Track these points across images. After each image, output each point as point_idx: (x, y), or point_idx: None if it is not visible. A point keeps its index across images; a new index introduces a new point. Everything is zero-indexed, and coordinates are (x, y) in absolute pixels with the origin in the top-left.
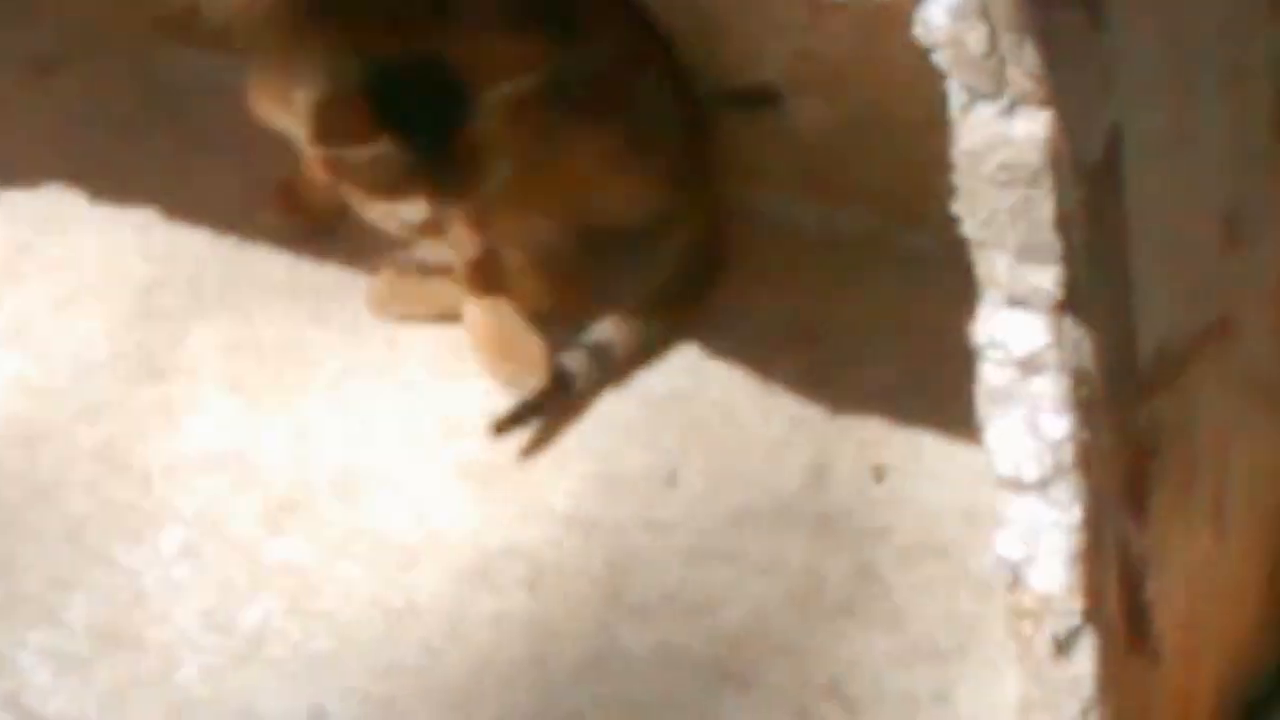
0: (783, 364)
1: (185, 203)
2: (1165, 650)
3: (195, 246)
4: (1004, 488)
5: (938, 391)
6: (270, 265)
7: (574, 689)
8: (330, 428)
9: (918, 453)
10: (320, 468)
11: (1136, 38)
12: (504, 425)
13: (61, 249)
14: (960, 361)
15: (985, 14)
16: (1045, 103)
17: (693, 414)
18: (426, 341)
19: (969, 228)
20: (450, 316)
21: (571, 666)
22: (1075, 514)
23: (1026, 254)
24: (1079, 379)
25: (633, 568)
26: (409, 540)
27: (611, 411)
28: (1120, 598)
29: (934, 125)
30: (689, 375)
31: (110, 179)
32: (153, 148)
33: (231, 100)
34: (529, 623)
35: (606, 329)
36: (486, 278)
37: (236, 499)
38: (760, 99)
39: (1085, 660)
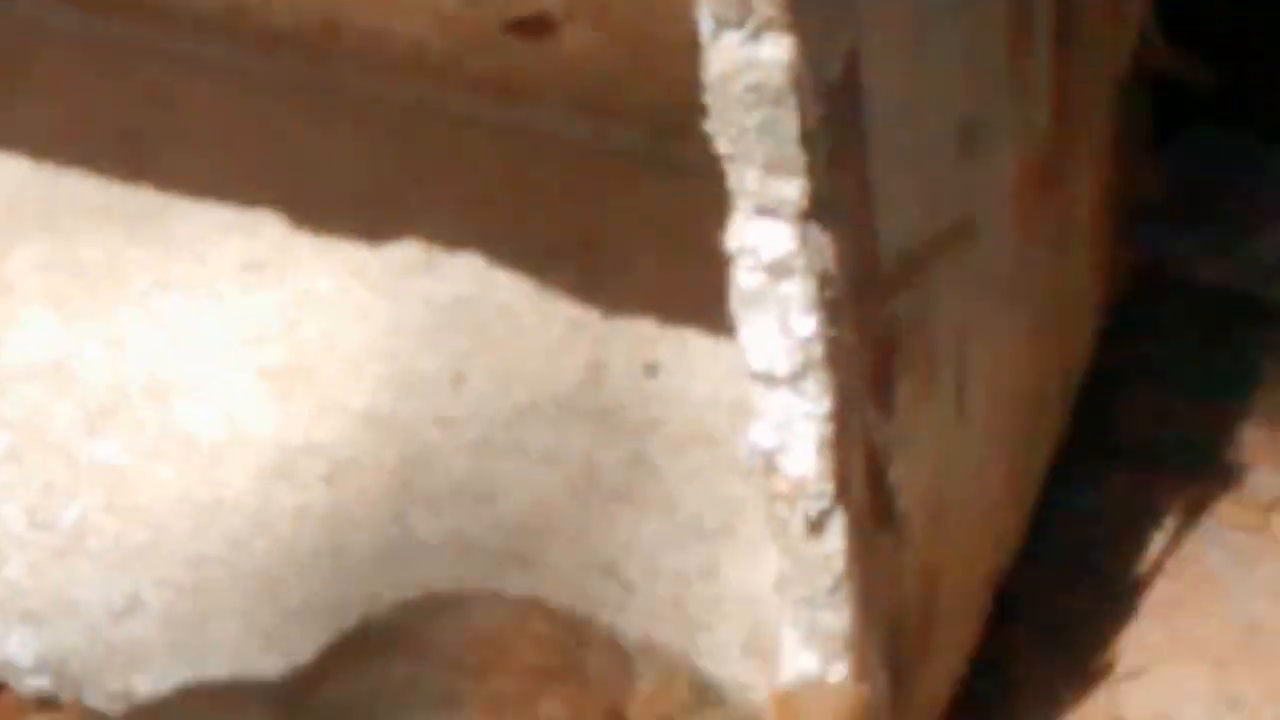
0: (560, 271)
1: (3, 132)
2: (911, 528)
3: (14, 174)
4: (758, 383)
5: (703, 293)
6: (86, 190)
7: (372, 574)
8: (143, 338)
9: (685, 350)
10: (134, 375)
11: None
12: None
13: None
14: (723, 265)
15: None
16: (787, 29)
17: (477, 318)
18: (232, 257)
19: (721, 144)
20: None
21: (369, 554)
22: (824, 405)
23: (773, 168)
24: (824, 281)
25: (424, 461)
26: (216, 440)
27: (400, 317)
28: (866, 481)
29: (696, 47)
30: (473, 282)
31: None
32: None
33: (51, 34)
34: (329, 514)
35: None
36: None
37: (56, 406)
38: (536, 25)
39: (835, 538)
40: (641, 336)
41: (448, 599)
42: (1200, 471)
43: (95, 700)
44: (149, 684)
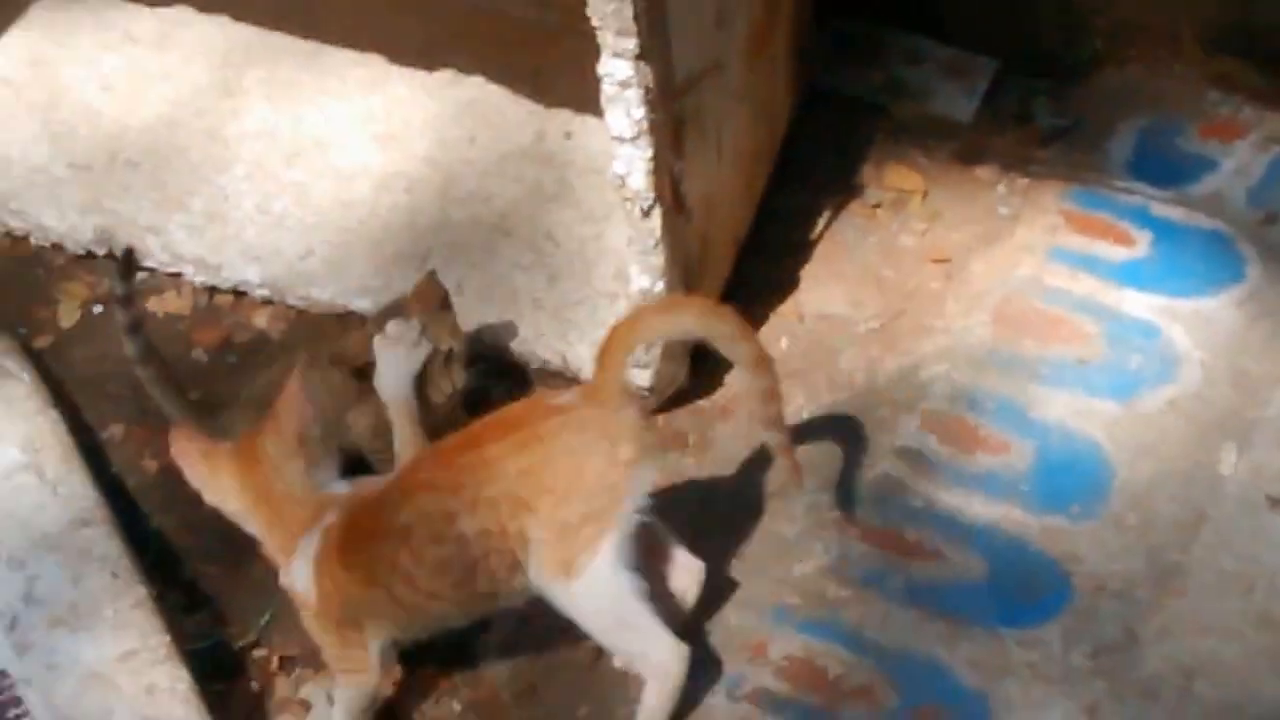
0: (523, 85)
1: (240, 10)
2: (693, 215)
3: (244, 32)
4: (616, 142)
5: (595, 96)
6: (281, 41)
7: (428, 238)
8: (313, 119)
9: (586, 125)
10: (308, 138)
11: None
12: None
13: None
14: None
15: None
16: None
17: (481, 110)
18: (358, 77)
19: (595, 20)
20: None
21: (428, 228)
22: (648, 153)
23: (621, 32)
24: (647, 91)
25: (455, 181)
26: (351, 170)
27: (443, 109)
28: (671, 191)
29: None
30: (479, 91)
31: None
32: None
33: None
34: (408, 207)
35: None
36: None
37: (270, 152)
38: None
39: (655, 220)
40: (564, 118)
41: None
42: (841, 189)
43: (292, 301)
44: (317, 294)
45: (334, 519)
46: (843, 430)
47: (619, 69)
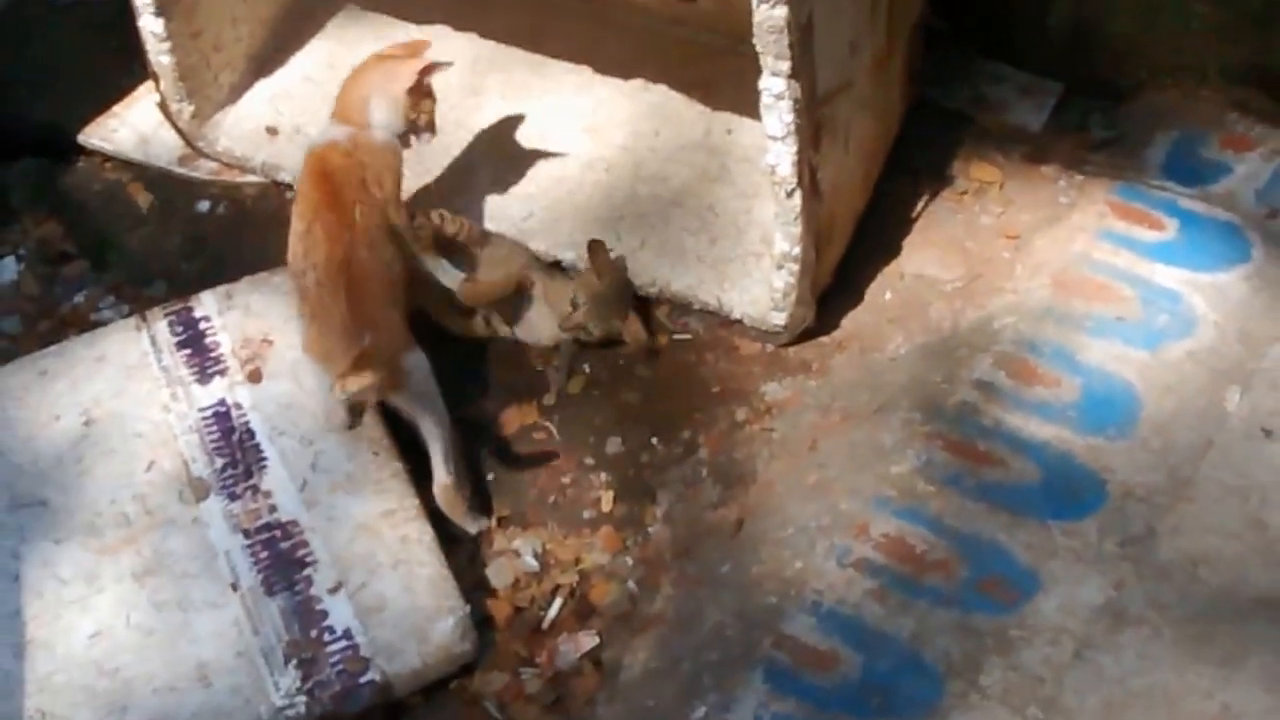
0: (695, 93)
1: (484, 29)
2: (825, 197)
3: (486, 47)
4: (770, 139)
5: (753, 103)
6: (513, 55)
7: (622, 207)
8: (537, 113)
9: (744, 125)
10: (532, 125)
11: None
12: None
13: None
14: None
15: None
16: (783, 3)
17: (665, 111)
18: (569, 82)
19: (758, 47)
20: None
21: (621, 199)
22: (794, 148)
23: (778, 57)
24: (796, 102)
25: (641, 164)
26: (564, 150)
27: (634, 109)
28: (809, 178)
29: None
30: (663, 97)
31: None
32: None
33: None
34: (606, 184)
35: None
36: None
37: (501, 130)
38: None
39: (797, 199)
40: (726, 118)
41: None
42: (936, 179)
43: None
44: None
45: (318, 149)
46: (931, 365)
47: (775, 84)
